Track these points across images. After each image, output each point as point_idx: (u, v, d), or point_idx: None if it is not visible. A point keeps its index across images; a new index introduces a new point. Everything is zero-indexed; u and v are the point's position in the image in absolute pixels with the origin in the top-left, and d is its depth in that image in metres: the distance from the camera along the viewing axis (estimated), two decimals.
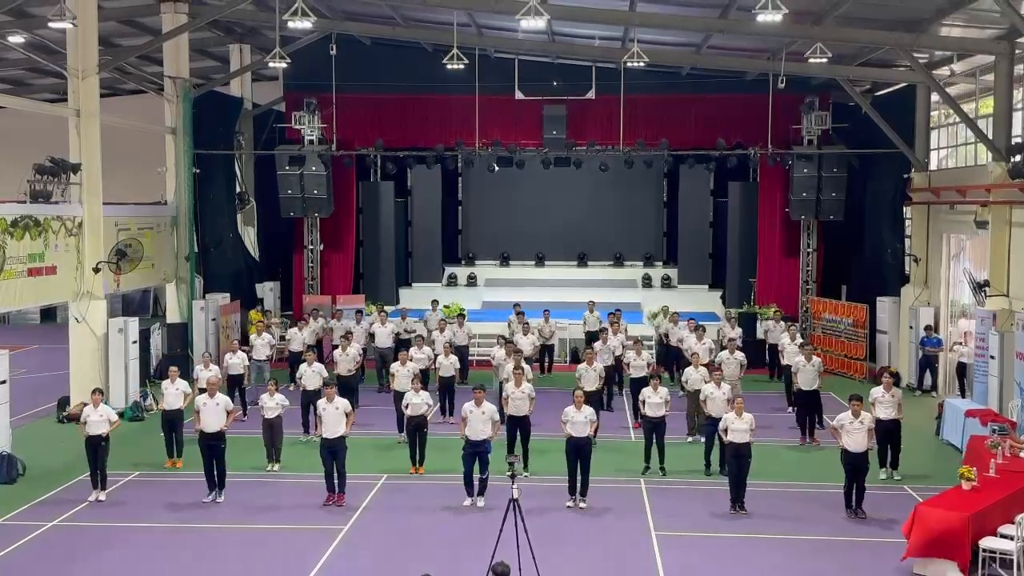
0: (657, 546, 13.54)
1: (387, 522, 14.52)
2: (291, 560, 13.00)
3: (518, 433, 16.42)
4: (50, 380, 23.65)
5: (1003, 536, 12.50)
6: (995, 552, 12.38)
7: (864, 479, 14.75)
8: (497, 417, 15.22)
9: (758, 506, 15.06)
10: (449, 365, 20.01)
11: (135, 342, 21.96)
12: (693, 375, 18.37)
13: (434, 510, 15.01)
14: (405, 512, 14.92)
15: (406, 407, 16.72)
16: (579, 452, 14.96)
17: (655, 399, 16.51)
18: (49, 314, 35.20)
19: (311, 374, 18.62)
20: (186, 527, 14.38)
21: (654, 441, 16.72)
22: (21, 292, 18.90)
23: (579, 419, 14.90)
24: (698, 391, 17.60)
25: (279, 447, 17.14)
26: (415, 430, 16.74)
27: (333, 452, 15.19)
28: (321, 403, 15.42)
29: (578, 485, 15.08)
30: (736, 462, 14.97)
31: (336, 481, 15.27)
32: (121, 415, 20.69)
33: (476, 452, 14.99)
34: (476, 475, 15.08)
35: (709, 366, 18.63)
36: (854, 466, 14.67)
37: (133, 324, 22.08)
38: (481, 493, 15.13)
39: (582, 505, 15.02)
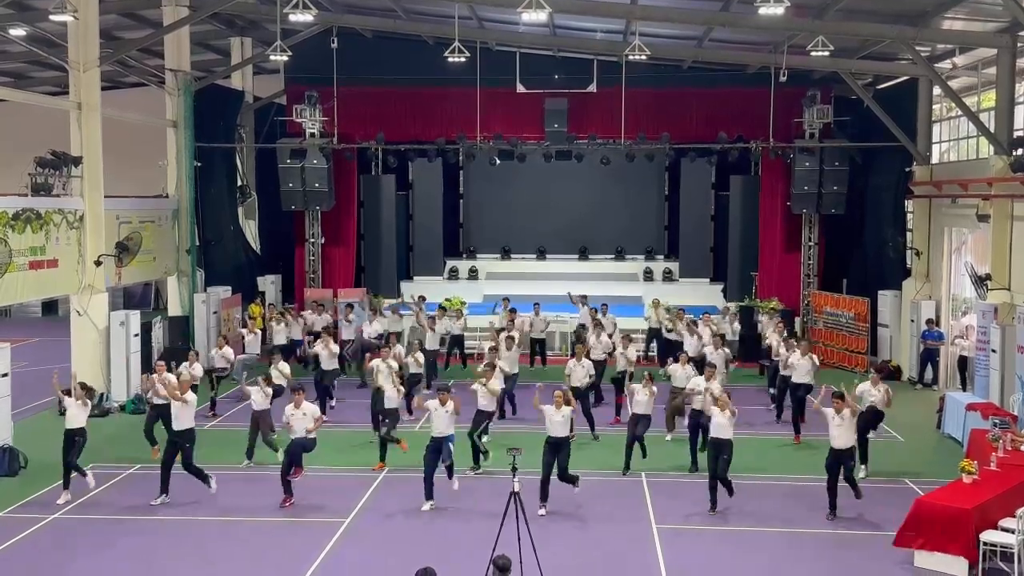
0: (658, 540, 13.56)
1: (388, 516, 14.54)
2: (292, 554, 13.02)
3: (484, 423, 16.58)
4: (51, 373, 23.58)
5: (1004, 529, 12.50)
6: (996, 545, 12.38)
7: (849, 473, 14.55)
8: (457, 411, 15.11)
9: (759, 500, 15.08)
10: (414, 362, 19.90)
11: (137, 335, 21.99)
12: (679, 372, 18.22)
13: (435, 504, 15.00)
14: (405, 506, 14.92)
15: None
16: (556, 451, 14.71)
17: (642, 396, 16.38)
18: (51, 307, 35.22)
19: (275, 374, 18.40)
20: (186, 520, 14.40)
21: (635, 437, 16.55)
22: (23, 285, 18.91)
23: (556, 419, 14.73)
24: (682, 388, 17.53)
25: (270, 440, 16.94)
26: (382, 421, 16.92)
27: (304, 449, 15.05)
28: (288, 408, 15.16)
29: (548, 486, 14.72)
30: (713, 454, 14.76)
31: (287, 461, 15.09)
32: (123, 408, 20.87)
33: (439, 448, 14.94)
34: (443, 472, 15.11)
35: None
36: (837, 460, 14.46)
37: (135, 317, 22.09)
38: (450, 476, 15.11)
39: (576, 489, 14.81)
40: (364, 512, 14.73)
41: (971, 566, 12.23)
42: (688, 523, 14.28)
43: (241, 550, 13.29)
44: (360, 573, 12.64)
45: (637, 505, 15.02)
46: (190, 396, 15.33)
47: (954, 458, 15.86)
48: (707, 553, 13.20)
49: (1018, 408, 17.65)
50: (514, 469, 11.96)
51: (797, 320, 27.11)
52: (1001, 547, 12.36)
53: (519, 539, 11.50)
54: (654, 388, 16.51)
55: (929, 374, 23.37)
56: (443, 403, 14.97)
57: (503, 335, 20.73)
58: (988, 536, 12.39)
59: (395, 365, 18.44)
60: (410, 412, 18.99)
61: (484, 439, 16.78)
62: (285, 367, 18.74)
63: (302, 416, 15.03)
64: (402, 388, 17.18)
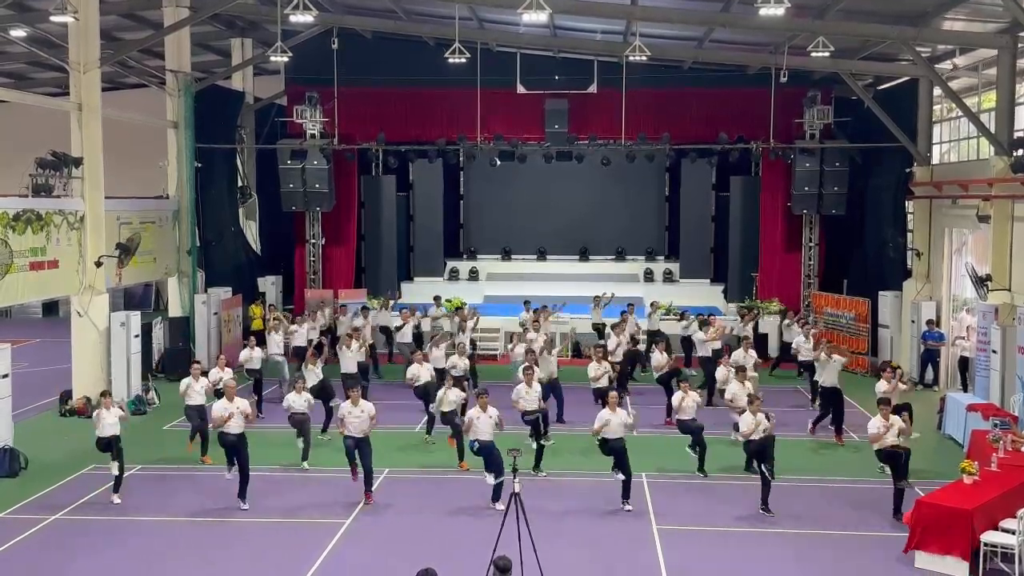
0: (658, 541, 13.56)
1: (389, 516, 14.55)
2: (293, 554, 13.02)
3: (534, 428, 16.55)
4: (52, 374, 23.65)
5: (1004, 530, 12.50)
6: (997, 546, 12.39)
7: (904, 473, 14.52)
8: (499, 417, 15.09)
9: (759, 501, 15.07)
10: (462, 367, 19.90)
11: (137, 336, 21.98)
12: (721, 374, 18.32)
13: (436, 504, 15.03)
14: (406, 507, 14.94)
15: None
16: (615, 452, 14.84)
17: (688, 402, 16.44)
18: (51, 308, 35.22)
19: (311, 375, 18.61)
20: (188, 521, 14.41)
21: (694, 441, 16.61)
22: (23, 286, 18.90)
23: (616, 421, 14.79)
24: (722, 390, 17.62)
25: (309, 441, 17.11)
26: (453, 426, 16.79)
27: (358, 447, 15.13)
28: (346, 406, 15.24)
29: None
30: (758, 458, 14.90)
31: (363, 478, 15.23)
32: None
33: (483, 450, 14.95)
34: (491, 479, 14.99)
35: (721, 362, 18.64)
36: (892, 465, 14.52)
37: (135, 318, 22.08)
38: (496, 499, 14.78)
39: (627, 507, 14.78)
40: (365, 512, 14.73)
41: (972, 567, 12.23)
42: (688, 523, 14.27)
43: (242, 550, 13.30)
44: (361, 573, 12.65)
45: (638, 505, 14.99)
46: (242, 402, 15.34)
47: (955, 459, 15.86)
48: (707, 553, 13.20)
49: (1018, 409, 17.63)
50: (515, 470, 11.95)
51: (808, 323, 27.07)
52: (1002, 548, 12.36)
53: (519, 539, 11.50)
54: (694, 393, 16.57)
55: (930, 375, 23.35)
56: (483, 408, 14.89)
57: (537, 336, 20.74)
58: (989, 537, 12.40)
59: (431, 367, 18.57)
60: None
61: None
62: (318, 369, 18.83)
63: (360, 413, 15.07)
64: (454, 389, 16.92)
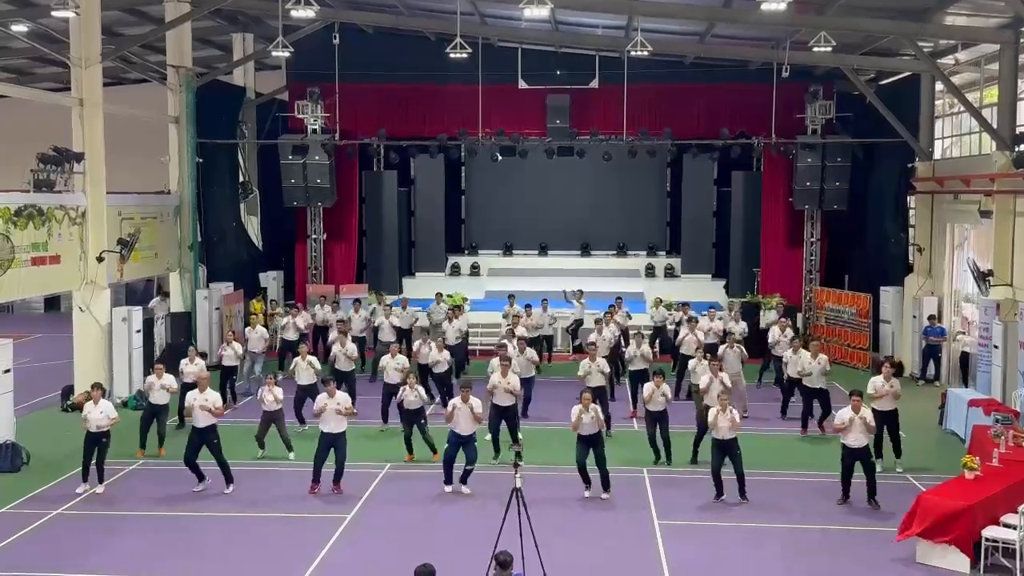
0: (660, 536, 13.57)
1: (390, 511, 14.56)
2: (295, 549, 13.04)
3: (503, 422, 16.67)
4: (54, 369, 23.66)
5: (1006, 525, 12.50)
6: (998, 541, 12.38)
7: (871, 472, 14.70)
8: (480, 410, 15.28)
9: (761, 495, 15.07)
10: (444, 361, 19.95)
11: (139, 331, 21.99)
12: (699, 367, 18.31)
13: (437, 499, 15.05)
14: (408, 501, 14.95)
15: (400, 402, 16.82)
16: (589, 445, 14.95)
17: (658, 395, 16.40)
18: (53, 303, 35.27)
19: (304, 367, 18.59)
20: (189, 516, 14.43)
21: (658, 433, 16.71)
22: (25, 281, 18.92)
23: (586, 419, 14.86)
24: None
25: (287, 437, 17.15)
26: (410, 422, 16.81)
27: (332, 445, 15.19)
28: (322, 397, 15.33)
29: (591, 478, 15.13)
30: (719, 455, 14.95)
31: (334, 471, 15.29)
32: (125, 404, 20.84)
33: (461, 442, 15.11)
34: (460, 464, 15.25)
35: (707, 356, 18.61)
36: (859, 460, 14.60)
37: (137, 313, 22.09)
38: (464, 481, 15.25)
39: (604, 496, 15.01)
40: (367, 507, 14.74)
41: (972, 562, 12.24)
42: (690, 518, 14.28)
43: (244, 545, 13.31)
44: (362, 568, 12.67)
45: (639, 500, 15.03)
46: (210, 393, 15.46)
47: (956, 454, 15.88)
48: (709, 548, 13.21)
49: (1020, 404, 17.63)
50: (516, 465, 11.96)
51: (799, 316, 27.08)
52: (1003, 543, 12.36)
53: (520, 535, 11.50)
54: (666, 386, 16.54)
55: (931, 370, 23.35)
56: (464, 400, 15.03)
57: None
58: (990, 532, 12.40)
59: (405, 362, 18.53)
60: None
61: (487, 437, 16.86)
62: (314, 360, 18.81)
63: (336, 404, 15.13)
64: (419, 387, 16.96)
